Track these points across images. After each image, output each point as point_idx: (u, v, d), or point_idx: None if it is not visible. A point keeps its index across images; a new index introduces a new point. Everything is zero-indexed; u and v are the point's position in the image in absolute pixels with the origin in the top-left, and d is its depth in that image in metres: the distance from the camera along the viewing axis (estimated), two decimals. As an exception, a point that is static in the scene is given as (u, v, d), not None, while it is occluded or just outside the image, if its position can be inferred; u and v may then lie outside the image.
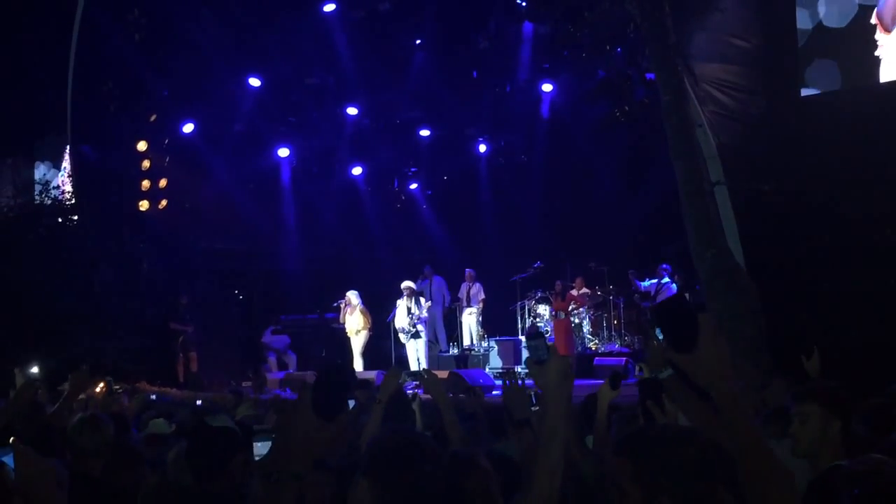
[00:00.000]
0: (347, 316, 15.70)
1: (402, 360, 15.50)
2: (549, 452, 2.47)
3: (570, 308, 15.82)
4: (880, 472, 2.62)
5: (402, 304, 15.39)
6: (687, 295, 15.05)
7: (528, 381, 3.86)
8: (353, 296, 15.67)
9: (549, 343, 2.63)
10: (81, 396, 6.57)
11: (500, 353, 16.04)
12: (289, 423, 2.10)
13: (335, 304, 16.14)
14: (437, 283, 17.28)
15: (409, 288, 15.47)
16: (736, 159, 11.39)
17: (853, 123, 11.17)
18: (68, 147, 16.38)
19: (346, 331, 15.80)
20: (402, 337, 15.44)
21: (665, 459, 2.24)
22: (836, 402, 3.57)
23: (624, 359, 14.33)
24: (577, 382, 9.29)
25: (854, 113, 11.28)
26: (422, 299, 15.58)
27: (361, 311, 15.56)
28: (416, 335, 15.11)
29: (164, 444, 5.55)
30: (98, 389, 8.09)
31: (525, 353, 14.82)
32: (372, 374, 12.59)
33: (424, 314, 15.40)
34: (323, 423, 2.09)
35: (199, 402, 10.15)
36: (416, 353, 15.17)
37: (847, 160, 11.00)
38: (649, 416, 3.22)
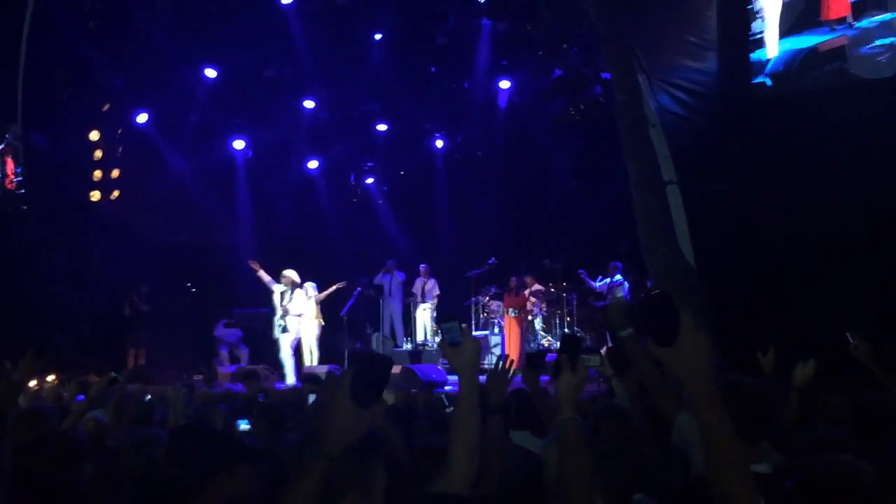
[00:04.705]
0: (304, 300, 14.47)
1: (337, 354, 14.92)
2: (469, 430, 2.61)
3: (528, 305, 15.84)
4: (812, 466, 2.68)
5: (276, 292, 14.36)
6: (641, 293, 15.25)
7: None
8: (298, 280, 14.49)
9: (463, 325, 2.73)
10: (32, 384, 6.41)
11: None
12: (330, 405, 2.19)
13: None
14: (399, 278, 17.27)
15: (288, 278, 14.33)
16: (689, 159, 11.48)
17: (804, 123, 11.33)
18: (9, 134, 15.96)
19: (299, 316, 14.50)
20: (275, 330, 14.35)
21: None
22: None
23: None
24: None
25: (805, 112, 11.45)
26: (299, 291, 14.37)
27: (316, 301, 14.66)
28: (283, 329, 14.22)
29: (105, 436, 5.50)
30: (49, 379, 7.93)
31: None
32: (323, 370, 12.52)
33: (298, 311, 14.31)
34: (359, 410, 2.17)
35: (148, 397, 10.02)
36: (283, 350, 14.23)
37: (798, 159, 11.13)
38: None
